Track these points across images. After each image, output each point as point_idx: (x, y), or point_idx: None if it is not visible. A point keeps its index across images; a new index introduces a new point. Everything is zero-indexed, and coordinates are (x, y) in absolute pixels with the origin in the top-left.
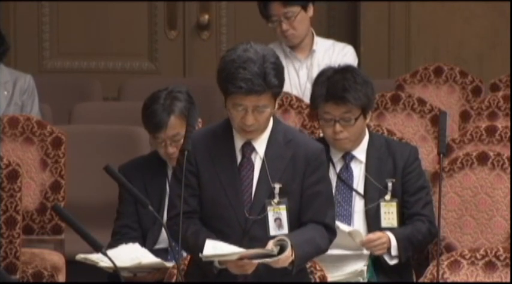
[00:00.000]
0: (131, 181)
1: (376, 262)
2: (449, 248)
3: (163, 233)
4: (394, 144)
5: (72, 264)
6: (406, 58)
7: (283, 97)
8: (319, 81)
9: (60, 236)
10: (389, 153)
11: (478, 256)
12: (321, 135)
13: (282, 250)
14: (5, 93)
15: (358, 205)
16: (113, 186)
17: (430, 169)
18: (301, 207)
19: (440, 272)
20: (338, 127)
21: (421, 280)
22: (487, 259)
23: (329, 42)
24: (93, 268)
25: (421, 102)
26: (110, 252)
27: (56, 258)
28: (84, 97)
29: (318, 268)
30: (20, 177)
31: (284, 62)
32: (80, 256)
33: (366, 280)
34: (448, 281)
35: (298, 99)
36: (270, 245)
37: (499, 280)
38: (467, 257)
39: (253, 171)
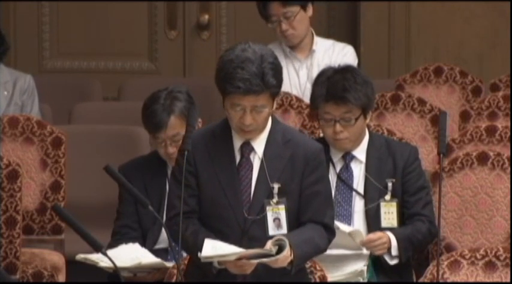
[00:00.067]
0: (131, 181)
1: (376, 262)
2: (449, 248)
3: (163, 233)
4: (394, 144)
5: (72, 264)
6: (406, 58)
7: (283, 97)
8: (319, 81)
9: (60, 236)
10: (390, 153)
11: (478, 256)
12: (321, 135)
13: (280, 250)
14: (5, 93)
15: (358, 205)
16: (113, 186)
17: (430, 169)
18: (300, 207)
19: (440, 272)
20: (338, 127)
21: (421, 280)
22: (487, 259)
23: (329, 42)
24: (93, 268)
25: (421, 102)
26: (110, 252)
27: (56, 258)
28: (84, 97)
29: (318, 268)
30: (20, 177)
31: (284, 62)
32: (80, 256)
33: (366, 280)
34: (448, 281)
35: (298, 99)
36: (269, 245)
37: (499, 280)
38: (467, 257)
39: (252, 170)
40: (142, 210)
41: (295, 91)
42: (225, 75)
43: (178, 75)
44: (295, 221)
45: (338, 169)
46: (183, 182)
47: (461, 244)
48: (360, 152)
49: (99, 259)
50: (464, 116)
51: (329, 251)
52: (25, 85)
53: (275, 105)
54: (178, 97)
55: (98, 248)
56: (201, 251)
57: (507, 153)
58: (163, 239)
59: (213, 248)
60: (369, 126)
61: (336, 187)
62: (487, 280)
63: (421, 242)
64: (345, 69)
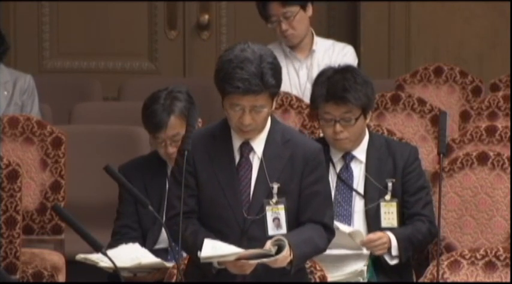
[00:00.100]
0: (131, 181)
1: (376, 262)
2: (449, 248)
3: (163, 233)
4: (394, 144)
5: (72, 264)
6: (406, 58)
7: (283, 97)
8: (319, 81)
9: (60, 236)
10: (390, 153)
11: (478, 256)
12: (321, 135)
13: (279, 250)
14: (5, 93)
15: (358, 205)
16: (113, 186)
17: (430, 169)
18: (300, 207)
19: (440, 272)
20: (338, 127)
21: (421, 280)
22: (487, 259)
23: (329, 42)
24: (93, 268)
25: (421, 102)
26: (110, 252)
27: (56, 258)
28: (84, 97)
29: (318, 268)
30: (20, 177)
31: (284, 62)
32: (80, 256)
33: (366, 280)
34: (448, 281)
35: (298, 99)
36: (268, 245)
37: (499, 280)
38: (467, 257)
39: (251, 170)
40: (142, 210)
41: (295, 91)
42: (224, 75)
43: (178, 75)
44: (294, 221)
45: (338, 169)
46: (183, 183)
47: (461, 244)
48: (360, 152)
49: (99, 259)
50: (464, 116)
51: (329, 251)
52: (25, 85)
53: (274, 105)
54: (178, 97)
55: (98, 248)
56: (200, 251)
57: (507, 153)
58: (163, 239)
59: (212, 249)
60: (369, 126)
61: (336, 187)
62: (487, 280)
63: (421, 242)
64: (345, 69)
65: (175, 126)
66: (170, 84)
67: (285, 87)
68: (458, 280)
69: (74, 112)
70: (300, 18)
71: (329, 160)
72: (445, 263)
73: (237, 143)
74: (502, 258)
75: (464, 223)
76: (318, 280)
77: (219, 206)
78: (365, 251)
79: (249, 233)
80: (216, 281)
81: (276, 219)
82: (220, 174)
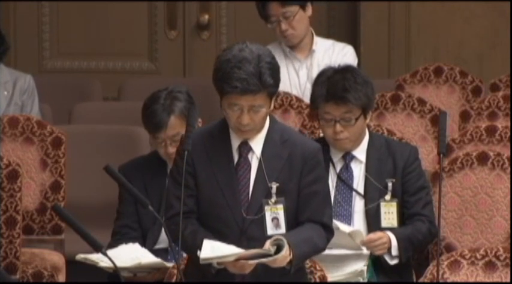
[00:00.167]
0: (131, 181)
1: (376, 262)
2: (449, 248)
3: (163, 233)
4: (394, 144)
5: (72, 264)
6: (406, 58)
7: (283, 97)
8: (319, 81)
9: (60, 236)
10: (390, 153)
11: (478, 256)
12: (321, 135)
13: (279, 249)
14: (5, 93)
15: (358, 205)
16: (113, 186)
17: (430, 169)
18: (299, 207)
19: (440, 272)
20: (338, 127)
21: (421, 280)
22: (487, 259)
23: (329, 42)
24: (93, 268)
25: (421, 102)
26: (110, 252)
27: (56, 258)
28: (84, 97)
29: (318, 268)
30: (20, 177)
31: (284, 62)
32: (80, 256)
33: (366, 280)
34: (448, 281)
35: (298, 99)
36: (267, 245)
37: (499, 280)
38: (467, 257)
39: (250, 170)
40: (142, 210)
41: (295, 91)
42: (222, 75)
43: (178, 75)
44: (293, 221)
45: (338, 169)
46: (183, 183)
47: (461, 244)
48: (360, 152)
49: (99, 259)
50: (464, 116)
51: (329, 251)
52: (25, 85)
53: (273, 105)
54: (178, 97)
55: (98, 248)
56: (200, 250)
57: (507, 153)
58: (163, 239)
59: (212, 250)
60: (369, 126)
61: (336, 187)
62: (487, 280)
63: (421, 242)
64: (345, 69)
65: (175, 126)
66: (170, 84)
67: (285, 87)
68: (458, 280)
69: (74, 112)
70: (300, 18)
71: (329, 160)
72: (445, 263)
73: (235, 143)
74: (502, 258)
75: (464, 223)
76: (318, 280)
77: (218, 206)
78: (365, 251)
79: (248, 233)
80: (215, 281)
81: (275, 219)
82: (219, 173)
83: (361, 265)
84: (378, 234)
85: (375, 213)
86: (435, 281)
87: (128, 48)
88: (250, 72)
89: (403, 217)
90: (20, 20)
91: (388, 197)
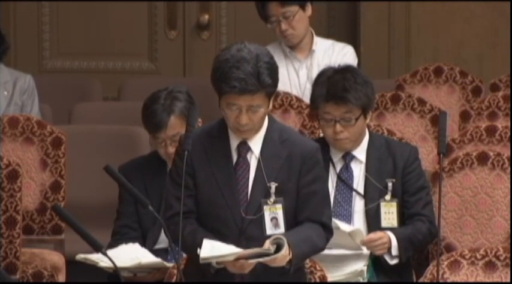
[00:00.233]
0: (131, 181)
1: (376, 262)
2: (449, 248)
3: (163, 234)
4: (394, 144)
5: (72, 264)
6: (406, 58)
7: (283, 97)
8: (319, 81)
9: (60, 236)
10: (390, 153)
11: (478, 256)
12: (321, 135)
13: (278, 248)
14: (5, 93)
15: (358, 205)
16: (113, 186)
17: (430, 169)
18: (298, 206)
19: (440, 272)
20: (338, 127)
21: (421, 280)
22: (487, 259)
23: (329, 42)
24: (93, 268)
25: (421, 102)
26: (110, 252)
27: (56, 258)
28: (84, 97)
29: (318, 268)
30: (20, 177)
31: (284, 62)
32: (80, 256)
33: (366, 280)
34: (448, 281)
35: (298, 99)
36: (267, 244)
37: (499, 280)
38: (467, 257)
39: (249, 170)
40: (142, 210)
41: (295, 91)
42: (220, 75)
43: (178, 75)
44: (292, 221)
45: (338, 169)
46: (183, 183)
47: (461, 244)
48: (360, 152)
49: (99, 259)
50: (464, 116)
51: (329, 251)
52: (25, 85)
53: (271, 105)
54: (178, 97)
55: (98, 248)
56: (200, 248)
57: (507, 153)
58: (163, 239)
59: (211, 249)
60: (369, 126)
61: (336, 187)
62: (487, 280)
63: (421, 242)
64: (345, 69)
65: (175, 126)
66: (170, 84)
67: (285, 87)
68: (458, 280)
69: (74, 112)
70: (299, 18)
71: (329, 160)
72: (445, 263)
73: (234, 143)
74: (502, 258)
75: (464, 223)
76: (318, 280)
77: (217, 206)
78: (365, 251)
79: (247, 233)
80: (214, 281)
81: (274, 219)
82: (218, 173)
83: (361, 265)
84: (379, 234)
85: (375, 213)
86: (435, 281)
87: (128, 48)
88: (249, 72)
89: (403, 217)
90: (20, 20)
91: (388, 197)
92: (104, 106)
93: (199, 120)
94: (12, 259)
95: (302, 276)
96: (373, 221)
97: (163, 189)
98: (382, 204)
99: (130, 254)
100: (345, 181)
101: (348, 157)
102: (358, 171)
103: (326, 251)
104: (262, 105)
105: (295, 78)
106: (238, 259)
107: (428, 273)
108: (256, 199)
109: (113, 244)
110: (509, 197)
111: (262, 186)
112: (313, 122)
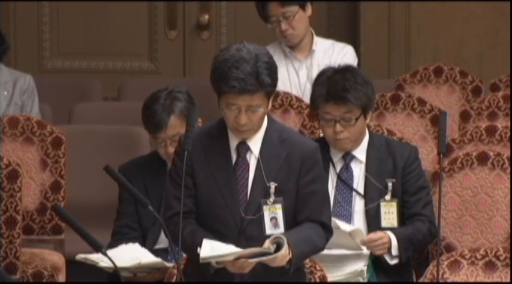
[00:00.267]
0: (131, 181)
1: (376, 262)
2: (449, 248)
3: (163, 234)
4: (394, 144)
5: (72, 264)
6: (406, 58)
7: (283, 97)
8: (319, 81)
9: (60, 236)
10: (390, 153)
11: (478, 256)
12: (321, 135)
13: (278, 248)
14: (5, 93)
15: (358, 205)
16: (113, 186)
17: (430, 169)
18: (297, 206)
19: (440, 272)
20: (338, 127)
21: (421, 280)
22: (487, 259)
23: (329, 42)
24: (93, 268)
25: (421, 102)
26: (110, 252)
27: (56, 258)
28: (84, 97)
29: (318, 268)
30: (20, 177)
31: (284, 62)
32: (80, 256)
33: (366, 280)
34: (448, 281)
35: (298, 99)
36: (267, 243)
37: (499, 280)
38: (467, 257)
39: (248, 170)
40: (142, 210)
41: (295, 91)
42: (220, 75)
43: (178, 75)
44: (292, 221)
45: (338, 169)
46: (183, 183)
47: (461, 244)
48: (360, 152)
49: (99, 259)
50: (464, 116)
51: (329, 251)
52: (25, 85)
53: (270, 105)
54: (178, 97)
55: (98, 248)
56: (200, 248)
57: (507, 153)
58: (163, 239)
59: (211, 249)
60: (369, 126)
61: (336, 187)
62: (487, 280)
63: (421, 242)
64: (345, 69)
65: (175, 126)
66: (170, 84)
67: (285, 87)
68: (458, 280)
69: (74, 112)
70: (299, 18)
71: (329, 160)
72: (445, 263)
73: (233, 143)
74: (502, 258)
75: (464, 223)
76: (318, 280)
77: (217, 206)
78: (365, 251)
79: (247, 232)
80: (214, 281)
81: (274, 219)
82: (217, 173)
83: (361, 265)
84: (379, 234)
85: (375, 213)
86: (435, 281)
87: (128, 48)
88: (248, 72)
89: (403, 217)
90: (20, 20)
91: (388, 197)
92: (104, 106)
93: (199, 120)
94: (12, 259)
95: (302, 276)
96: (373, 221)
97: (163, 189)
98: (382, 204)
99: (130, 254)
100: (345, 181)
101: (348, 157)
102: (358, 171)
103: (326, 251)
104: (262, 105)
105: (295, 78)
106: (238, 258)
107: (428, 273)
108: (255, 199)
109: (113, 244)
110: (509, 197)
111: (261, 186)
112: (313, 122)
